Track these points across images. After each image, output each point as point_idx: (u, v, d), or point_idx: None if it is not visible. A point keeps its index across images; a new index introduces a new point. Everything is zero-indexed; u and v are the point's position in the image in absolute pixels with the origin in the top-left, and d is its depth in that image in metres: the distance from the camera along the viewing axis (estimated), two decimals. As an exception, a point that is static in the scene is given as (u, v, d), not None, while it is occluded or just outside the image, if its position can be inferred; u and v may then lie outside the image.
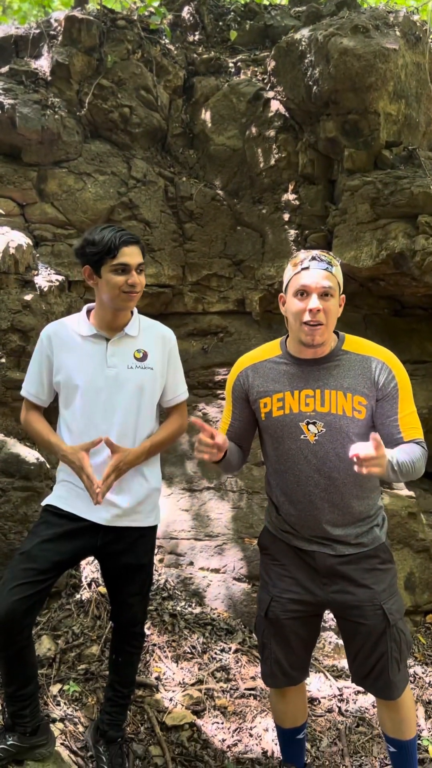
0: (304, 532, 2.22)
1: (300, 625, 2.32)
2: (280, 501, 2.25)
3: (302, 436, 2.13)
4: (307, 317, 2.02)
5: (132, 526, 2.38)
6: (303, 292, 2.04)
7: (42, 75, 4.37)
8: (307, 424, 2.12)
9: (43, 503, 2.42)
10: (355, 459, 1.83)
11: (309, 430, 2.13)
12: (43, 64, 4.45)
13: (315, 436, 2.11)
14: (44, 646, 3.25)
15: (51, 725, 2.68)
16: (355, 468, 1.84)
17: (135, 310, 2.49)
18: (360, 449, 1.82)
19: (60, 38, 4.45)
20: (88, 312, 2.45)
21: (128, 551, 2.38)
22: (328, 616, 3.68)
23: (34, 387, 2.47)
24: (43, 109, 4.19)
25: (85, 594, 3.58)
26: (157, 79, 4.68)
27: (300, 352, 2.16)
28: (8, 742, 2.42)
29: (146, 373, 2.36)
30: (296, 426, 2.13)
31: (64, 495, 2.38)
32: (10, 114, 4.07)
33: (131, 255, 2.25)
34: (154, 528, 2.49)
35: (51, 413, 2.51)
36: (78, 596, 3.58)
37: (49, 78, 4.37)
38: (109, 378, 2.32)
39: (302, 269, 2.06)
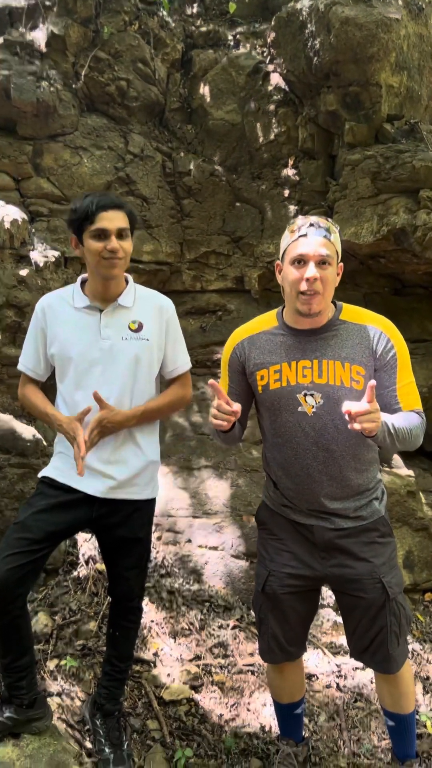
0: (302, 506, 2.19)
1: (298, 600, 2.29)
2: (278, 475, 2.21)
3: (299, 409, 2.08)
4: (303, 286, 1.97)
5: (127, 499, 2.34)
6: (300, 261, 1.98)
7: (37, 47, 4.28)
8: (305, 396, 2.08)
9: (40, 474, 2.39)
10: (347, 416, 1.79)
11: (306, 402, 2.08)
12: (38, 36, 4.36)
13: (313, 408, 2.07)
14: (41, 622, 3.24)
15: (48, 699, 2.67)
16: (349, 426, 1.80)
17: (130, 279, 2.42)
18: (353, 405, 1.78)
19: (55, 9, 4.35)
20: (83, 283, 2.40)
21: (124, 524, 2.35)
22: (327, 593, 3.67)
23: (30, 361, 2.44)
24: (38, 81, 4.11)
25: (82, 571, 3.56)
26: (155, 51, 4.59)
27: (297, 323, 2.11)
28: (5, 715, 2.41)
29: (142, 345, 2.30)
30: (293, 398, 2.09)
31: (60, 466, 2.35)
32: (4, 85, 3.99)
33: (110, 219, 2.18)
34: (150, 501, 2.46)
35: (50, 391, 2.47)
36: (75, 573, 3.56)
37: (45, 50, 4.29)
38: (103, 350, 2.28)
39: (300, 236, 2.00)
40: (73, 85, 4.33)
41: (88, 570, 3.55)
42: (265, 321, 2.25)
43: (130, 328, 2.31)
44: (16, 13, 4.53)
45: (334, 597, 3.58)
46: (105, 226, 2.18)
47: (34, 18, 4.48)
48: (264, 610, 2.34)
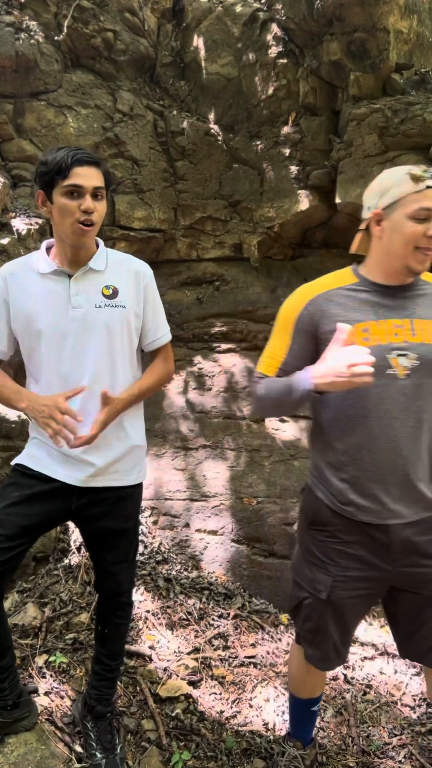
0: (381, 494, 1.91)
1: (362, 604, 2.06)
2: (348, 461, 1.92)
3: (389, 371, 1.82)
4: (425, 243, 1.75)
5: (110, 486, 2.12)
6: (427, 216, 1.75)
7: (15, -5, 3.96)
8: (397, 356, 1.84)
9: (13, 462, 2.15)
10: None
11: (399, 364, 1.83)
12: (16, -16, 4.03)
13: (406, 370, 1.82)
14: (29, 614, 3.05)
15: (36, 699, 2.50)
16: None
17: (101, 242, 2.16)
18: None
19: None
20: (48, 249, 2.12)
21: (108, 515, 2.13)
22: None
23: None
24: (16, 33, 3.79)
25: (74, 558, 3.37)
26: (144, 0, 4.25)
27: (389, 278, 1.87)
28: (-13, 718, 2.23)
29: (117, 312, 2.05)
30: (383, 359, 1.82)
31: (35, 453, 2.12)
32: (-21, 38, 3.68)
33: (87, 176, 1.92)
34: (136, 487, 2.22)
35: (19, 378, 2.22)
36: (66, 561, 3.37)
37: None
38: (75, 320, 2.01)
39: (427, 187, 1.76)
40: (56, 38, 4.01)
41: (80, 558, 3.35)
42: (341, 278, 1.97)
43: (103, 294, 2.05)
44: (-8, -40, 4.19)
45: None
46: (80, 183, 1.90)
47: (12, -35, 4.14)
48: (325, 618, 2.07)
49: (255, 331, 4.21)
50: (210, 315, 4.31)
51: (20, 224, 3.62)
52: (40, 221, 3.73)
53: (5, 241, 3.51)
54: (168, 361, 2.26)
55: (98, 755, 2.32)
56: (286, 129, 4.10)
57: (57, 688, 2.66)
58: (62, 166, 1.92)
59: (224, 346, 4.27)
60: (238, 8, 4.19)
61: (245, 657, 3.07)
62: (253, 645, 3.15)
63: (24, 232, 3.60)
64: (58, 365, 2.01)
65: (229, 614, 3.29)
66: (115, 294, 2.06)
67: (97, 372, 2.04)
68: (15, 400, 2.04)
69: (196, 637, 3.13)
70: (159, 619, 3.18)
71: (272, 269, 4.36)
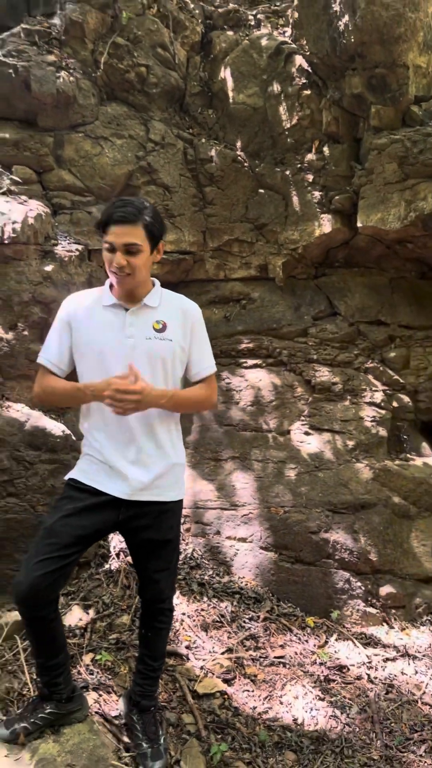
0: None
1: None
2: None
3: None
4: None
5: (153, 501, 2.36)
6: None
7: (55, 34, 4.21)
8: None
9: (66, 477, 2.41)
10: None
11: None
12: (56, 22, 4.28)
13: None
14: (75, 615, 3.30)
15: (85, 693, 2.74)
16: None
17: (157, 282, 2.46)
18: None
19: (73, -6, 4.27)
20: (111, 284, 2.42)
21: (151, 527, 2.37)
22: (356, 583, 3.68)
23: (53, 354, 2.41)
24: (57, 71, 4.05)
25: (114, 564, 3.62)
26: (174, 35, 4.49)
27: None
28: (47, 710, 2.49)
29: (165, 345, 2.32)
30: None
31: (86, 468, 2.37)
32: (24, 77, 3.94)
33: (119, 234, 2.18)
34: (177, 503, 2.47)
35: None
36: (107, 566, 3.62)
37: (63, 37, 4.21)
38: (126, 348, 2.29)
39: None
40: (93, 74, 4.26)
41: (119, 563, 3.60)
42: None
43: (154, 327, 2.33)
44: (33, 0, 4.46)
45: (363, 587, 3.60)
46: (112, 240, 2.20)
47: (51, 4, 4.40)
48: None
49: (280, 348, 4.43)
50: (237, 332, 4.54)
51: (62, 251, 3.87)
52: (80, 248, 3.98)
53: (49, 267, 3.77)
54: (209, 388, 2.50)
55: (144, 745, 2.55)
56: (309, 156, 4.31)
57: (104, 683, 2.90)
58: (102, 222, 2.22)
59: (250, 362, 4.49)
60: (264, 41, 4.41)
61: (275, 657, 3.29)
62: (282, 646, 3.37)
63: (66, 259, 3.85)
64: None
65: (259, 617, 3.51)
66: (164, 328, 2.32)
67: None
68: (76, 390, 2.29)
69: (228, 638, 3.35)
70: (194, 621, 3.41)
71: (296, 288, 4.58)
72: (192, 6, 4.64)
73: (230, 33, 4.61)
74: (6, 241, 3.68)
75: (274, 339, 4.46)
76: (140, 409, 2.20)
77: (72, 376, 2.44)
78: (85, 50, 4.27)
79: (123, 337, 2.30)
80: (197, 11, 4.65)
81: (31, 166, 4.11)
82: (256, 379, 4.38)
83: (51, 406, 3.35)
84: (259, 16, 4.65)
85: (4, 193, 3.91)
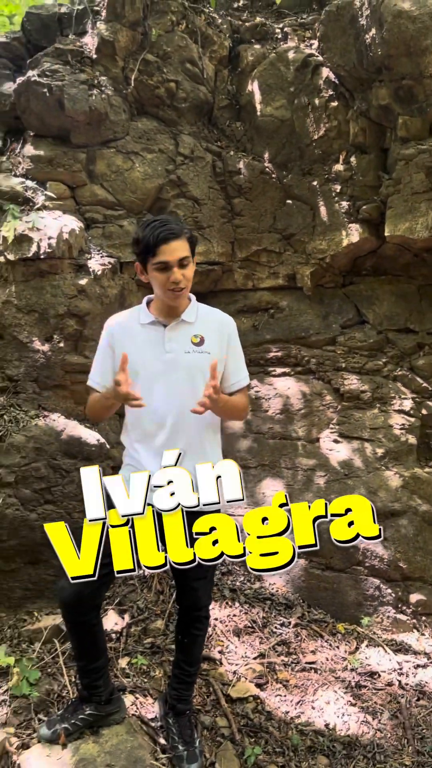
0: None
1: None
2: None
3: None
4: None
5: (191, 510, 2.43)
6: None
7: (87, 53, 4.33)
8: None
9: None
10: None
11: None
12: (87, 42, 4.40)
13: None
14: (111, 620, 3.39)
15: (122, 696, 2.83)
16: None
17: (193, 298, 2.56)
18: None
19: (104, 13, 4.38)
20: (149, 303, 2.54)
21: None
22: (386, 590, 3.72)
23: (98, 375, 2.58)
24: (89, 89, 4.17)
25: (147, 570, 3.70)
26: (203, 50, 4.58)
27: None
28: (86, 712, 2.59)
29: (203, 357, 2.41)
30: None
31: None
32: (57, 96, 4.06)
33: (171, 252, 2.29)
34: (216, 512, 2.54)
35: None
36: (140, 571, 3.70)
37: (95, 56, 4.33)
38: (166, 362, 2.40)
39: None
40: (123, 90, 4.37)
41: (152, 569, 3.68)
42: None
43: (192, 341, 2.44)
44: (65, 20, 4.59)
45: (393, 594, 3.63)
46: (166, 259, 2.31)
47: (83, 23, 4.52)
48: None
49: (308, 356, 4.48)
50: (265, 341, 4.60)
51: (95, 265, 3.98)
52: (112, 261, 4.09)
53: (84, 281, 3.88)
54: (245, 399, 2.60)
55: (180, 747, 2.63)
56: (337, 167, 4.37)
57: (140, 686, 2.99)
58: (149, 245, 2.30)
59: (279, 371, 4.55)
60: (291, 54, 4.47)
61: (306, 663, 3.34)
62: (313, 652, 3.42)
63: (99, 272, 3.96)
64: (150, 400, 2.36)
65: (290, 623, 3.57)
66: (202, 342, 2.43)
67: (182, 407, 2.38)
68: (103, 400, 2.44)
69: (260, 643, 3.42)
70: (226, 626, 3.48)
71: (324, 297, 4.63)
72: (220, 21, 4.73)
73: (257, 46, 4.68)
74: (42, 256, 3.80)
75: (303, 347, 4.52)
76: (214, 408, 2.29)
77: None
78: (116, 67, 4.38)
79: (163, 353, 2.41)
80: (225, 26, 4.73)
81: (65, 181, 4.24)
82: (284, 388, 4.44)
83: (101, 419, 3.47)
84: (286, 29, 4.71)
85: (39, 209, 4.04)
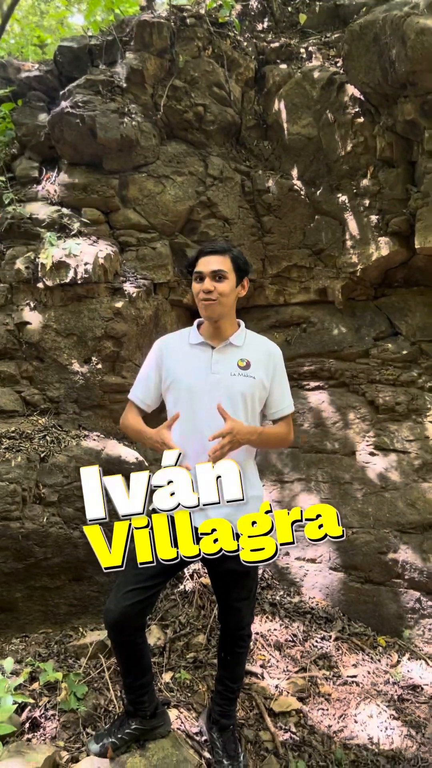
0: None
1: None
2: None
3: None
4: None
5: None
6: None
7: (117, 82, 4.47)
8: None
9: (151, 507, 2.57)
10: None
11: None
12: (117, 71, 4.55)
13: None
14: (154, 635, 3.46)
15: (167, 710, 2.89)
16: None
17: (242, 324, 2.63)
18: None
19: (132, 43, 4.53)
20: (199, 325, 2.64)
21: (232, 557, 2.48)
22: (427, 603, 3.71)
23: (140, 390, 2.66)
24: (120, 117, 4.30)
25: (188, 585, 3.77)
26: (229, 73, 4.69)
27: None
28: (132, 726, 2.65)
29: (248, 381, 2.48)
30: None
31: None
32: (90, 125, 4.21)
33: (206, 263, 2.42)
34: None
35: (153, 421, 2.67)
36: (181, 587, 3.78)
37: (125, 85, 4.47)
38: (212, 383, 2.47)
39: None
40: (153, 116, 4.50)
41: (193, 584, 3.75)
42: None
43: (238, 365, 2.51)
44: (96, 51, 4.75)
45: (434, 609, 3.62)
46: (200, 269, 2.44)
47: (112, 53, 4.68)
48: None
49: (342, 369, 4.51)
50: (298, 355, 4.65)
51: (130, 287, 4.10)
52: (146, 282, 4.20)
53: (119, 304, 4.00)
54: (289, 428, 2.65)
55: (225, 762, 2.68)
56: (365, 181, 4.41)
57: (183, 701, 3.05)
58: (191, 260, 2.50)
59: (313, 384, 4.59)
60: (316, 73, 4.54)
61: (348, 676, 3.36)
62: (354, 665, 3.43)
63: (134, 294, 4.08)
64: (194, 420, 2.44)
65: (330, 636, 3.59)
66: (248, 366, 2.50)
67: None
68: (139, 433, 2.56)
69: (301, 657, 3.45)
70: (267, 640, 3.52)
71: (356, 310, 4.66)
72: (245, 44, 4.83)
73: (283, 66, 4.76)
74: (79, 281, 3.93)
75: (336, 361, 4.55)
76: (235, 448, 2.31)
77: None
78: (145, 95, 4.51)
79: (209, 373, 2.48)
80: (250, 48, 4.83)
81: (99, 207, 4.38)
82: (318, 401, 4.48)
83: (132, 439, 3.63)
84: (310, 48, 4.79)
85: (75, 235, 4.18)
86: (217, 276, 2.41)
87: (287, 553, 3.94)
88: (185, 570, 3.85)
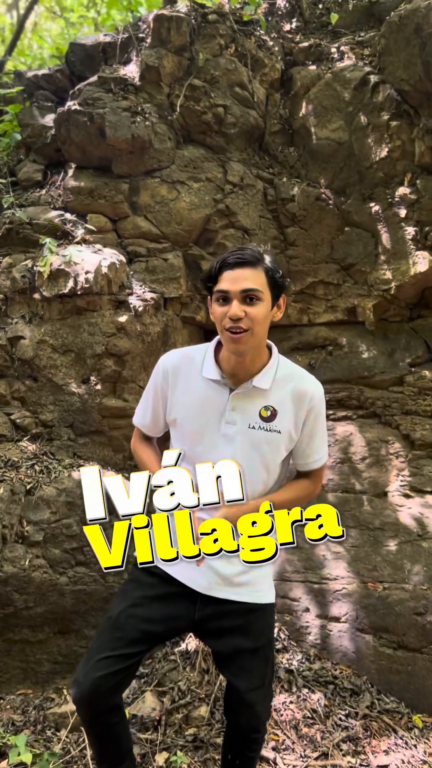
0: None
1: None
2: None
3: None
4: None
5: (237, 600, 1.98)
6: None
7: (131, 81, 4.12)
8: None
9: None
10: None
11: None
12: (131, 70, 4.20)
13: None
14: (148, 704, 2.96)
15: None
16: None
17: (275, 350, 2.05)
18: None
19: (149, 40, 4.18)
20: (218, 345, 2.04)
21: (236, 630, 1.96)
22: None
23: (145, 419, 2.20)
24: (132, 116, 3.93)
25: (191, 643, 3.26)
26: (253, 73, 4.31)
27: None
28: None
29: (270, 437, 1.95)
30: None
31: None
32: (99, 124, 3.84)
33: (234, 280, 1.82)
34: (269, 605, 2.08)
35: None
36: (183, 645, 3.27)
37: (138, 83, 4.11)
38: (226, 436, 1.96)
39: None
40: (169, 117, 4.12)
41: (196, 643, 3.23)
42: None
43: (261, 415, 1.96)
44: (109, 50, 4.42)
45: None
46: (226, 288, 1.84)
47: (127, 52, 4.34)
48: None
49: (372, 398, 4.02)
50: (323, 381, 4.07)
51: (136, 301, 3.67)
52: (155, 296, 3.77)
53: (123, 318, 3.57)
54: (315, 483, 2.14)
55: None
56: (401, 190, 3.96)
57: (179, 793, 2.52)
58: (212, 272, 1.89)
59: (339, 414, 4.10)
60: (348, 73, 4.14)
61: (378, 766, 2.80)
62: (386, 751, 2.87)
63: (140, 309, 3.64)
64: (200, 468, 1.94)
65: (357, 713, 3.03)
66: (273, 416, 1.95)
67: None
68: (149, 466, 2.09)
69: (322, 738, 2.90)
70: (282, 715, 2.98)
71: (389, 332, 4.17)
72: (271, 43, 4.46)
73: (312, 68, 4.37)
74: (79, 292, 3.52)
75: (366, 388, 4.06)
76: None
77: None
78: (161, 94, 4.14)
79: (221, 423, 1.96)
80: (276, 48, 4.45)
81: (106, 213, 3.99)
82: (345, 434, 3.97)
83: None
84: (342, 48, 4.39)
85: (78, 243, 3.78)
86: (249, 297, 1.82)
87: (307, 609, 3.40)
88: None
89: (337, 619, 3.34)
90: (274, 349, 2.04)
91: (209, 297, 1.96)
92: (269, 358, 2.00)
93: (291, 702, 3.04)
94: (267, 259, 1.90)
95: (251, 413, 1.94)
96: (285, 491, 2.05)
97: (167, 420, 2.10)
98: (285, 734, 2.89)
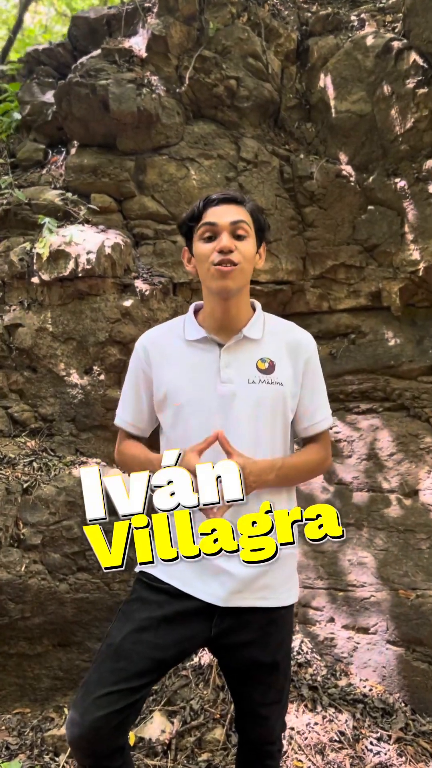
0: None
1: None
2: None
3: None
4: None
5: (257, 607, 1.70)
6: None
7: (136, 52, 3.86)
8: None
9: (137, 569, 1.78)
10: None
11: None
12: (137, 42, 3.94)
13: None
14: (156, 725, 2.67)
15: None
16: None
17: (258, 306, 1.87)
18: None
19: (155, 9, 3.92)
20: (197, 311, 1.87)
21: (254, 643, 1.70)
22: None
23: (128, 413, 1.92)
24: (138, 89, 3.67)
25: (204, 657, 2.96)
26: (267, 44, 4.03)
27: None
28: None
29: (273, 390, 1.73)
30: None
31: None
32: (102, 96, 3.58)
33: (222, 213, 1.69)
34: (288, 608, 1.80)
35: (153, 447, 1.93)
36: (195, 660, 2.97)
37: (145, 55, 3.85)
38: (223, 396, 1.72)
39: None
40: (177, 90, 3.85)
41: (210, 657, 2.94)
42: None
43: (258, 367, 1.75)
44: (114, 22, 4.17)
45: None
46: (213, 220, 1.69)
47: (133, 24, 4.08)
48: None
49: (400, 389, 3.71)
50: (345, 372, 3.86)
51: (143, 285, 3.40)
52: (163, 280, 3.50)
53: (128, 303, 3.30)
54: (324, 448, 1.86)
55: None
56: (429, 163, 3.65)
57: None
58: (195, 211, 1.74)
59: (363, 407, 3.79)
60: (370, 40, 3.85)
61: (415, 798, 2.48)
62: (423, 782, 2.56)
63: (147, 293, 3.37)
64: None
65: (390, 737, 2.72)
66: (271, 368, 1.74)
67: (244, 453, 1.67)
68: (148, 463, 1.75)
69: (352, 765, 2.59)
70: (305, 738, 2.67)
71: (417, 318, 3.86)
72: (286, 12, 4.18)
73: (330, 38, 4.08)
74: (80, 275, 3.26)
75: (392, 379, 3.75)
76: (248, 493, 1.60)
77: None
78: (168, 66, 3.88)
79: (217, 383, 1.73)
80: (292, 17, 4.18)
81: (111, 193, 3.72)
82: (371, 428, 3.67)
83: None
84: (362, 15, 4.10)
85: (80, 223, 3.52)
86: (238, 232, 1.68)
87: (332, 620, 3.10)
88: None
89: (365, 630, 3.03)
90: (257, 304, 1.89)
91: (187, 244, 1.82)
92: (254, 312, 1.86)
93: (316, 723, 2.73)
94: (251, 201, 1.82)
95: (248, 366, 1.75)
96: (296, 455, 1.83)
97: (156, 402, 1.83)
98: (310, 760, 2.59)
